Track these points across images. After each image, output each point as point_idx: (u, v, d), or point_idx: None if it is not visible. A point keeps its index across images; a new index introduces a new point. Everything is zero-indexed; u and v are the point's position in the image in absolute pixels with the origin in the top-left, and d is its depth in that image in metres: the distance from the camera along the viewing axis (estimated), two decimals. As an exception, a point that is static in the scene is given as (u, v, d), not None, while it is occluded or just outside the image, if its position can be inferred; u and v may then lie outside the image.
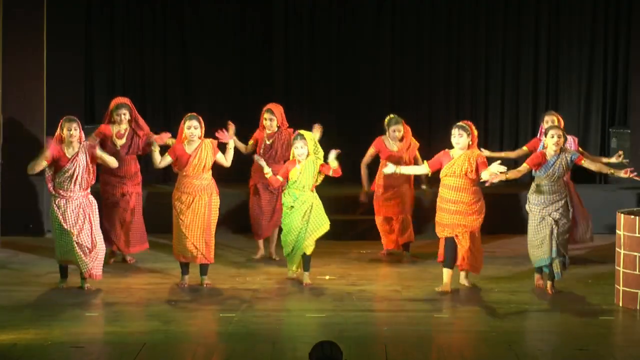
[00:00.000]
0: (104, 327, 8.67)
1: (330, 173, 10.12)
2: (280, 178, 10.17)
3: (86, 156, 9.73)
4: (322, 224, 10.17)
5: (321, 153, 10.16)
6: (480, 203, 10.04)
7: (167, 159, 10.14)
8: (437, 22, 14.76)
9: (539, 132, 11.50)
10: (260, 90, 14.46)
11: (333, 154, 10.09)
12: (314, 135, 10.43)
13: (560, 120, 11.28)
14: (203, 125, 10.13)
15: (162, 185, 13.75)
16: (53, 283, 10.12)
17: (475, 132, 9.99)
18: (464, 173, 9.87)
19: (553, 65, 14.76)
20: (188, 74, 14.68)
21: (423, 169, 10.18)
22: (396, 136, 11.35)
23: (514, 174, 9.83)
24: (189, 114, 10.19)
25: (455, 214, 9.93)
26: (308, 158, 10.10)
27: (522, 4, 14.72)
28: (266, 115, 11.37)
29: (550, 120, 11.20)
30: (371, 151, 11.50)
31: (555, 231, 9.82)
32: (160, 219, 11.22)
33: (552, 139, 9.84)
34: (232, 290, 10.04)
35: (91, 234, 9.76)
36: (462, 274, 10.18)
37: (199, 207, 10.03)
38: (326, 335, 7.78)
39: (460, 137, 9.90)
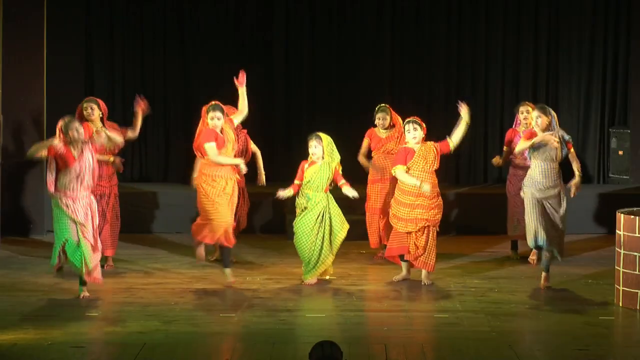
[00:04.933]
0: (104, 327, 8.67)
1: (343, 190, 10.14)
2: (297, 182, 10.20)
3: (92, 156, 9.55)
4: (341, 227, 10.22)
5: (337, 157, 10.19)
6: (440, 198, 10.17)
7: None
8: (437, 22, 14.76)
9: (515, 123, 11.63)
10: (261, 90, 14.46)
11: (351, 192, 10.14)
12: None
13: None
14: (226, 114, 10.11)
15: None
16: (53, 283, 10.13)
17: (424, 126, 10.21)
18: (430, 166, 10.06)
19: (553, 66, 14.76)
20: (188, 74, 14.67)
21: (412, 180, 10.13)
22: (382, 124, 11.43)
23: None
24: (212, 103, 10.04)
25: (417, 208, 10.04)
26: (324, 160, 10.13)
27: (522, 4, 14.73)
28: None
29: (525, 110, 11.38)
30: (365, 142, 11.58)
31: (544, 219, 9.93)
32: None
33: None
34: (232, 290, 10.05)
35: (94, 235, 9.60)
36: (424, 272, 10.26)
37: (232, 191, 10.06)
38: (326, 335, 7.77)
39: (416, 131, 10.11)
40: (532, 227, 9.96)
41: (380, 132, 11.48)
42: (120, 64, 14.61)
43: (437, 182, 10.17)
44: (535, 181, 9.97)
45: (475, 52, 14.79)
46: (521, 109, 11.47)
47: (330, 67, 14.73)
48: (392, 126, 11.46)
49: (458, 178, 14.73)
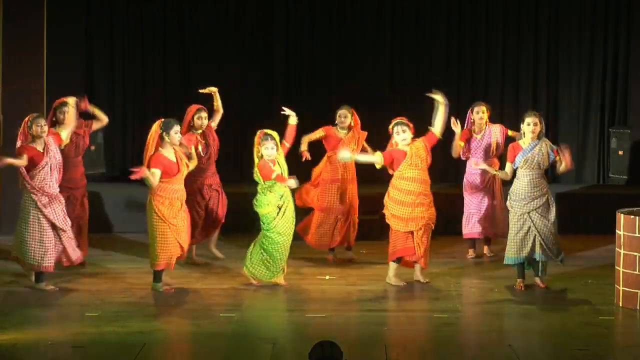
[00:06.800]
0: (104, 327, 8.67)
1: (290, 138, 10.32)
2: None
3: (57, 149, 10.04)
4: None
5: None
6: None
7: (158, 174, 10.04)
8: (437, 22, 14.76)
9: (467, 123, 11.70)
10: (261, 90, 14.47)
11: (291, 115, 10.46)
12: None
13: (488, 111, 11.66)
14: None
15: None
16: (53, 283, 10.11)
17: (412, 126, 10.26)
18: (425, 163, 10.09)
19: (553, 66, 14.76)
20: (188, 74, 14.67)
21: (376, 158, 10.21)
22: (342, 122, 11.38)
23: (503, 175, 10.20)
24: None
25: (419, 206, 10.05)
26: (277, 152, 10.07)
27: (522, 4, 14.73)
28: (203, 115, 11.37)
29: (480, 110, 11.56)
30: (319, 134, 11.47)
31: (534, 232, 9.87)
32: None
33: (528, 126, 9.96)
34: (232, 290, 10.05)
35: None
36: (418, 268, 10.26)
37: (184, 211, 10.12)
38: (326, 335, 7.77)
39: (404, 133, 10.14)
40: (516, 244, 9.96)
41: (338, 131, 11.42)
42: (120, 64, 14.60)
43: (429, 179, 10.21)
44: (521, 194, 9.91)
45: (475, 52, 14.78)
46: (476, 109, 11.59)
47: (330, 67, 14.72)
48: (350, 128, 11.39)
49: (457, 178, 14.72)
